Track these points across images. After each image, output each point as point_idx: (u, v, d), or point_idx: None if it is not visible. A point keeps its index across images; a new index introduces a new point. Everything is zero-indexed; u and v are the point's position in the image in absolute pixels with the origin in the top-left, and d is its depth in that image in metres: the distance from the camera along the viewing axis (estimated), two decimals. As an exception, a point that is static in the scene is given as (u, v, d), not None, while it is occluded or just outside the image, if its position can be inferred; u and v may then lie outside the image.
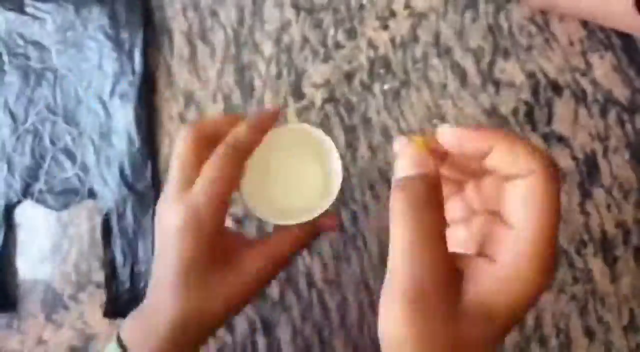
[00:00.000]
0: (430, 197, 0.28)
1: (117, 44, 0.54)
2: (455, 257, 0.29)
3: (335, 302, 0.50)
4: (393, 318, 0.26)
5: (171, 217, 0.35)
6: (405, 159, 0.29)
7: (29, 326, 0.52)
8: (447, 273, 0.27)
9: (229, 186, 0.36)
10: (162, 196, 0.37)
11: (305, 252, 0.50)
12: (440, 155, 0.31)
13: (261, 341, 0.50)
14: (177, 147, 0.37)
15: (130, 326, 0.37)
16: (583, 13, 0.49)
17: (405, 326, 0.25)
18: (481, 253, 0.29)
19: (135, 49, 0.53)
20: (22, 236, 0.54)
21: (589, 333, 0.47)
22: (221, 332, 0.51)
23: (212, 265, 0.36)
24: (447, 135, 0.29)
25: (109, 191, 0.53)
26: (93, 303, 0.52)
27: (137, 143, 0.53)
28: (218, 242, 0.36)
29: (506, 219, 0.28)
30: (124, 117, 0.53)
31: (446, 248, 0.27)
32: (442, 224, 0.28)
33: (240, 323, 0.51)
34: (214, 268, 0.36)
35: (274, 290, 0.50)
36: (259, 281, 0.38)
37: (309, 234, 0.40)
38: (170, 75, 0.54)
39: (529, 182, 0.27)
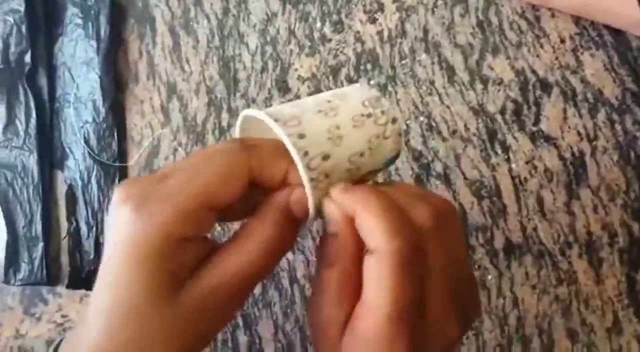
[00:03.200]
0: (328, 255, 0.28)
1: (83, 10, 0.52)
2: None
3: (317, 299, 0.50)
4: None
5: None
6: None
7: (6, 319, 0.52)
8: (334, 324, 0.28)
9: None
10: None
11: (287, 249, 0.50)
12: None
13: (242, 338, 0.50)
14: None
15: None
16: (575, 7, 0.48)
17: None
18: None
19: (101, 16, 0.52)
20: None
21: (572, 334, 0.46)
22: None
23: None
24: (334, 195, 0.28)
25: (74, 160, 0.52)
26: (72, 296, 0.51)
27: (102, 112, 0.51)
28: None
29: (364, 291, 0.27)
30: (89, 84, 0.52)
31: (335, 302, 0.28)
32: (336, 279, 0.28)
33: (221, 319, 0.50)
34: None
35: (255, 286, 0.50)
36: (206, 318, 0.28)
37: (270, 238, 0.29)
38: (152, 65, 0.53)
39: (373, 258, 0.26)
